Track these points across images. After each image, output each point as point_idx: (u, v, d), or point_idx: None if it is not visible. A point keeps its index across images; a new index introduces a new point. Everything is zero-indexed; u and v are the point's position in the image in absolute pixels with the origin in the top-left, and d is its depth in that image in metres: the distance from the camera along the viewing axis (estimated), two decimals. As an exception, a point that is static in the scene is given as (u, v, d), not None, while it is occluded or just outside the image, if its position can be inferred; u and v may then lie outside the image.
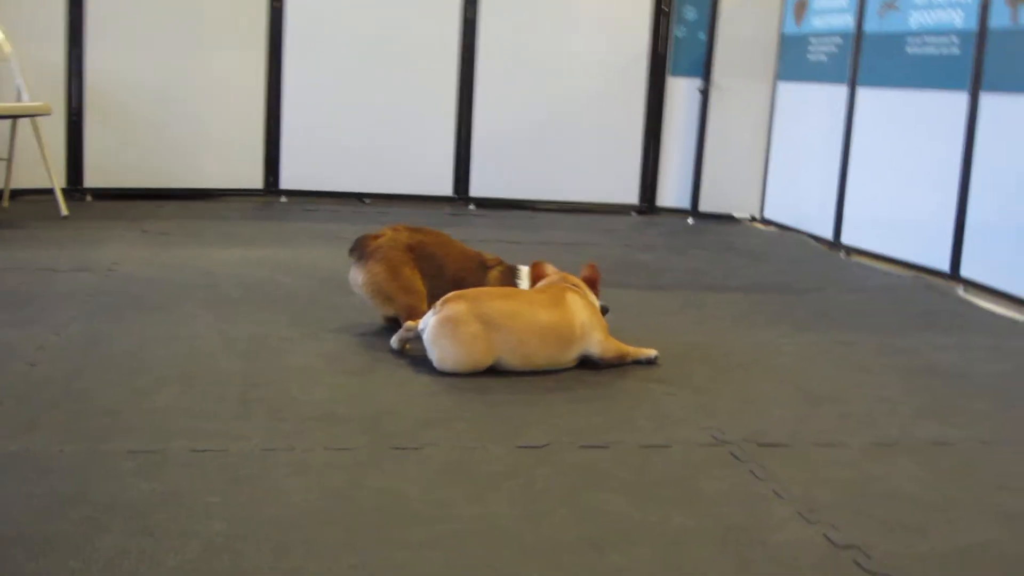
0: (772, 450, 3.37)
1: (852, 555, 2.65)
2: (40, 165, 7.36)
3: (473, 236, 6.87)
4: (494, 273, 4.51)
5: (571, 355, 4.06)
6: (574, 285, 4.23)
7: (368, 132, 8.69)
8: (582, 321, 4.04)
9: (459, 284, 4.42)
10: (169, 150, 8.41)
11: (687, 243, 7.55)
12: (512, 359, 3.95)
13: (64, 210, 7.36)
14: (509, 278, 4.50)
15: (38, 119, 7.34)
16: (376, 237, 4.56)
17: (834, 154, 7.66)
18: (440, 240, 4.65)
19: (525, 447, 3.31)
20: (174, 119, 8.37)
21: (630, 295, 5.52)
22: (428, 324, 4.00)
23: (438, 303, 4.03)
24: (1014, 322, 5.42)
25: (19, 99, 7.44)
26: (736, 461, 3.26)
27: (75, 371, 3.90)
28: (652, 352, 4.19)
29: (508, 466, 3.15)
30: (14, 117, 7.33)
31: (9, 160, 7.58)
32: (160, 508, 2.78)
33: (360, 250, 4.52)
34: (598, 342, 4.08)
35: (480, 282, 4.45)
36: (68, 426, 3.35)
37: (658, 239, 7.73)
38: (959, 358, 4.59)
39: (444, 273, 4.48)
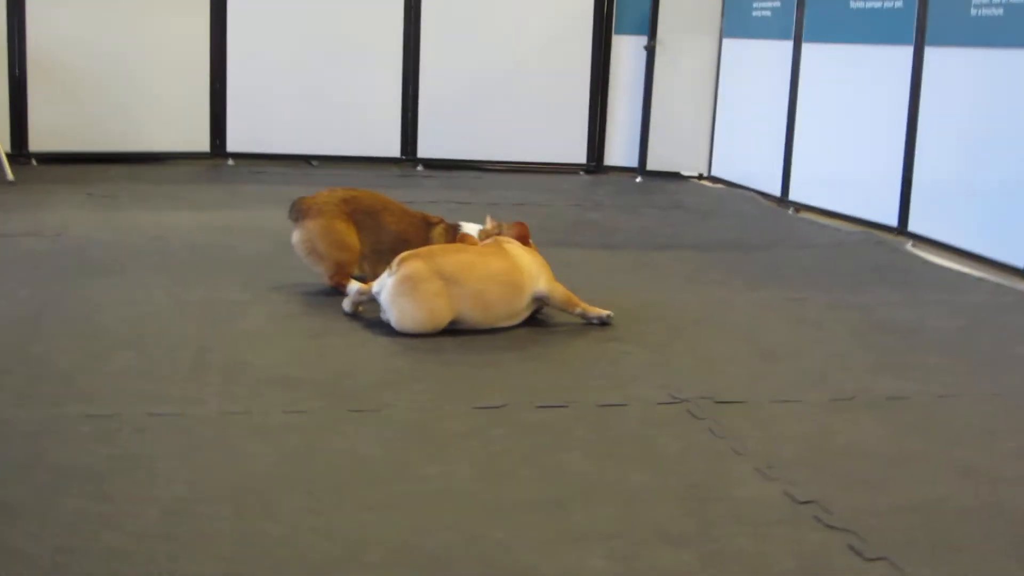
0: (729, 407, 3.39)
1: (812, 511, 2.67)
2: (-17, 130, 7.25)
3: (421, 198, 6.86)
4: (438, 230, 4.49)
5: (525, 300, 4.06)
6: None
7: (314, 94, 8.63)
8: (527, 264, 4.04)
9: (403, 241, 4.43)
10: (114, 114, 8.32)
11: (636, 202, 7.56)
12: (472, 313, 3.95)
13: (9, 175, 7.26)
14: (452, 235, 4.48)
15: (-20, 85, 7.22)
16: (313, 197, 4.50)
17: (780, 111, 7.68)
18: (379, 199, 4.66)
19: (483, 407, 3.30)
20: (119, 82, 8.28)
21: (581, 254, 5.53)
22: (385, 285, 3.98)
23: (394, 263, 4.01)
24: (962, 275, 5.48)
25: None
26: (694, 419, 3.28)
27: (27, 337, 3.86)
28: (605, 312, 4.19)
29: (467, 426, 3.15)
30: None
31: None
32: (119, 473, 2.77)
33: (297, 211, 4.54)
34: (546, 282, 4.08)
35: (424, 240, 4.44)
36: (22, 391, 3.32)
37: (607, 198, 7.74)
38: (911, 314, 4.63)
39: (384, 229, 4.48)
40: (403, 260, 3.96)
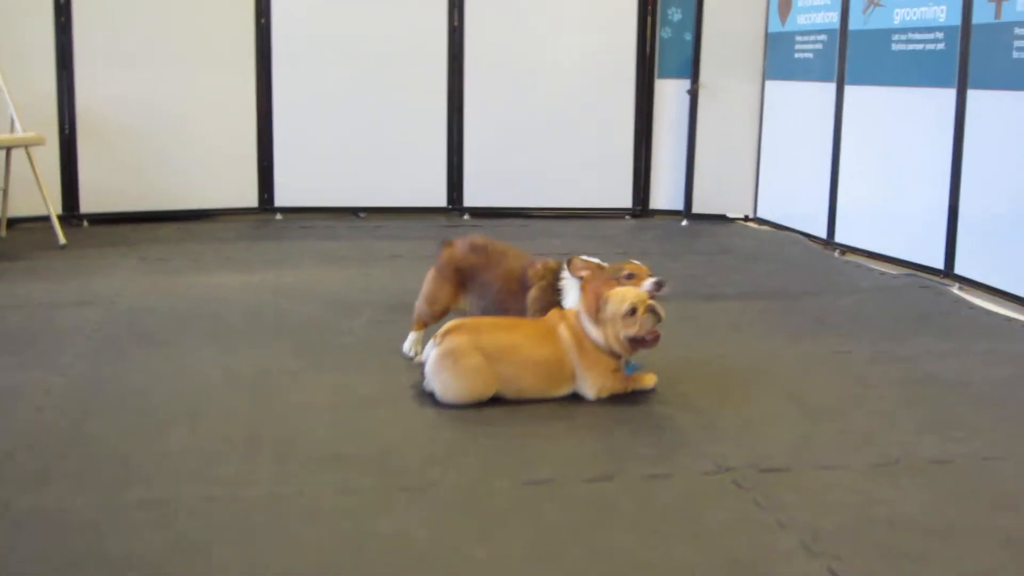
0: (774, 476, 3.42)
1: (857, 588, 2.69)
2: (35, 193, 7.40)
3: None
4: (534, 292, 4.53)
5: (562, 391, 4.10)
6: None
7: (360, 146, 8.74)
8: (571, 360, 4.08)
9: (501, 306, 4.52)
10: (162, 172, 8.46)
11: (682, 247, 7.60)
12: (507, 391, 4.01)
13: (62, 239, 7.40)
14: (550, 295, 4.50)
15: (31, 148, 7.36)
16: (451, 244, 4.76)
17: (824, 152, 7.71)
18: (491, 260, 4.69)
19: (531, 483, 3.34)
20: (166, 140, 8.43)
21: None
22: (429, 357, 4.05)
23: (437, 334, 4.08)
24: (1008, 320, 5.48)
25: (12, 129, 7.46)
26: (739, 489, 3.31)
27: (82, 415, 3.95)
28: (651, 382, 4.22)
29: (515, 503, 3.19)
30: (8, 148, 7.36)
31: (5, 190, 7.64)
32: (175, 561, 2.83)
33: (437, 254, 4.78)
34: (591, 386, 4.11)
35: (521, 306, 4.50)
36: (79, 476, 3.39)
37: (652, 243, 7.78)
38: (956, 365, 4.64)
39: (487, 294, 4.60)
40: (447, 332, 4.03)
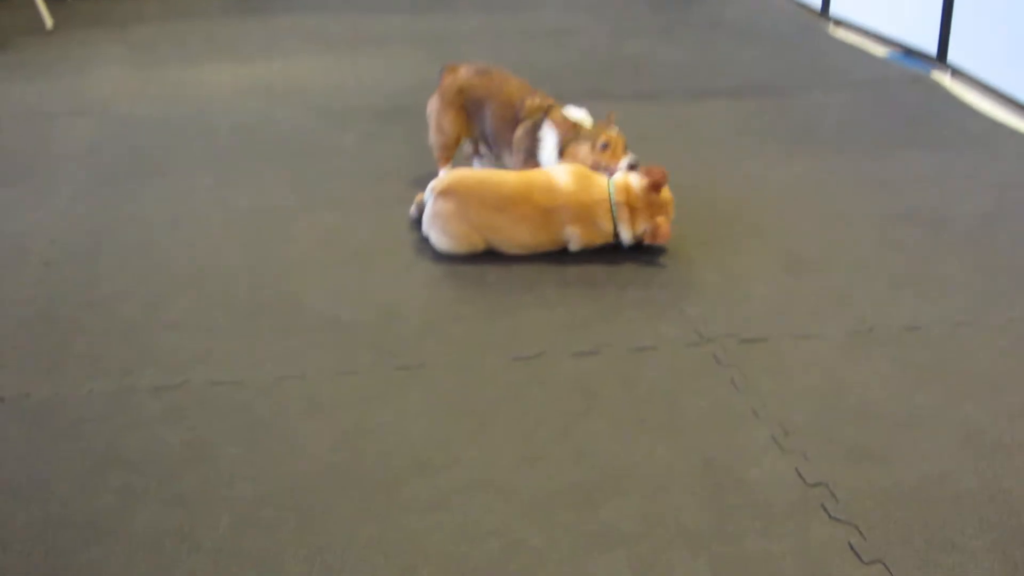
0: (752, 348, 3.59)
1: (820, 497, 2.90)
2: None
3: (457, 27, 6.92)
4: (519, 132, 4.54)
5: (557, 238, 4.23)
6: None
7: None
8: (568, 216, 4.18)
9: (496, 137, 4.59)
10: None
11: (675, 20, 7.56)
12: (503, 248, 4.14)
13: (48, 21, 7.35)
14: (531, 138, 4.51)
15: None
16: (453, 70, 4.74)
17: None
18: (493, 85, 4.67)
19: (519, 359, 3.53)
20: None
21: (613, 109, 5.62)
22: (427, 205, 4.17)
23: (429, 187, 4.18)
24: (995, 126, 5.55)
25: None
26: (717, 366, 3.49)
27: (90, 275, 4.09)
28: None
29: (504, 388, 3.37)
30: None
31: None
32: (189, 468, 3.02)
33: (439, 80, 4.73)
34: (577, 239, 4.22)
35: (510, 139, 4.55)
36: (93, 357, 3.56)
37: (645, 17, 7.74)
38: (938, 194, 4.77)
39: (486, 122, 4.64)
40: (440, 193, 4.12)
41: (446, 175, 4.20)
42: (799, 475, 2.99)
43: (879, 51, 6.86)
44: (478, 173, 4.23)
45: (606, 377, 3.44)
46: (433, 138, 4.74)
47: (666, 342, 3.64)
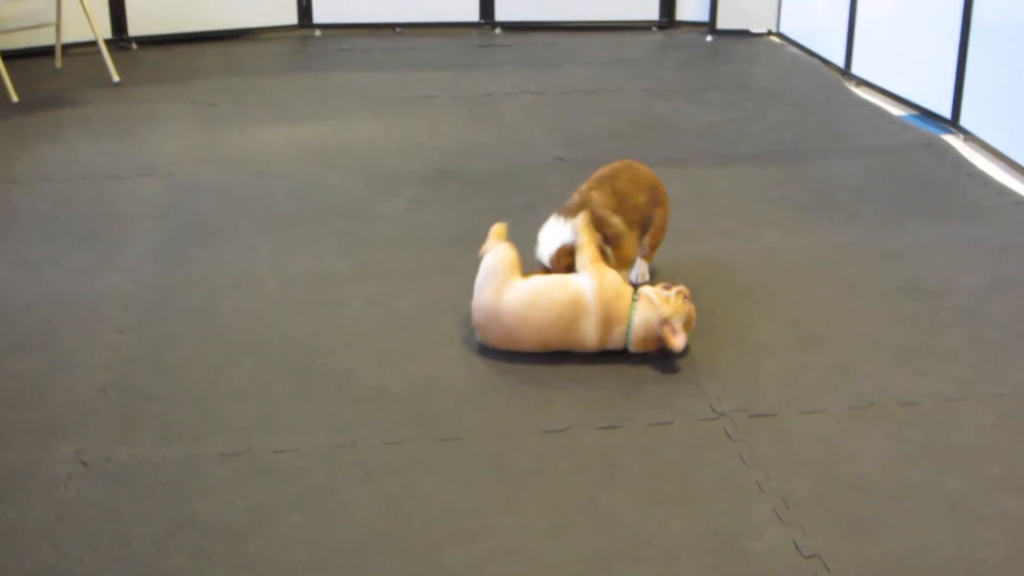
0: (760, 422, 3.97)
1: (814, 567, 3.27)
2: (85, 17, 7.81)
3: (499, 85, 7.37)
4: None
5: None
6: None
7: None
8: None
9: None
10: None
11: (703, 78, 7.97)
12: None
13: (115, 75, 7.82)
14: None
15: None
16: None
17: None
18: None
19: (549, 431, 3.92)
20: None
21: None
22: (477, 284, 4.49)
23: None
24: (1001, 194, 5.91)
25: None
26: (729, 441, 3.87)
27: (159, 341, 4.51)
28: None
29: (535, 460, 3.77)
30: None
31: (58, 24, 8.02)
32: (253, 532, 3.41)
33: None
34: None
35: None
36: (165, 423, 3.96)
37: (675, 71, 8.16)
38: (941, 265, 5.12)
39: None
40: (478, 328, 4.47)
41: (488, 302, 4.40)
42: (796, 547, 3.37)
43: (897, 112, 7.22)
44: (504, 323, 4.40)
45: (627, 450, 3.82)
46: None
47: (682, 417, 4.02)
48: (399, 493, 3.61)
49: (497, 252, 4.46)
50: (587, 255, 4.40)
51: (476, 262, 4.65)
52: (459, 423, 3.98)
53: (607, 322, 4.37)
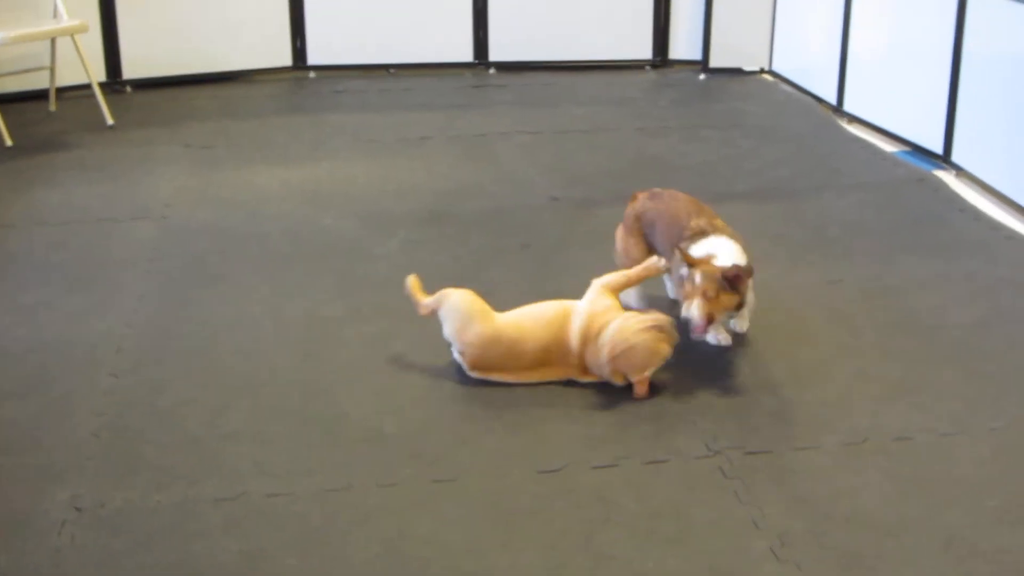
0: (755, 459, 3.97)
1: (811, 605, 3.28)
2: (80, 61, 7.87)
3: (494, 125, 7.40)
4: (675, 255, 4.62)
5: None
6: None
7: (389, 1, 9.04)
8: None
9: (666, 256, 4.76)
10: (199, 34, 8.86)
11: (698, 117, 8.01)
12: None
13: (109, 118, 7.84)
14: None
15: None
16: (635, 198, 5.02)
17: (837, 12, 7.97)
18: (661, 208, 4.88)
19: (544, 472, 3.92)
20: (200, 1, 8.76)
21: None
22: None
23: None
24: (994, 229, 5.93)
25: (55, 15, 7.87)
26: (724, 479, 3.87)
27: (154, 385, 4.51)
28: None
29: (531, 499, 3.76)
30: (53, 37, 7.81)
31: (52, 68, 8.06)
32: (251, 573, 3.41)
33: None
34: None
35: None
36: (160, 467, 3.96)
37: (669, 110, 8.20)
38: (936, 301, 5.13)
39: (657, 240, 4.89)
40: (464, 338, 4.51)
41: (472, 344, 4.47)
42: (793, 584, 3.37)
43: (889, 148, 7.26)
44: (504, 339, 4.47)
45: (623, 489, 3.82)
46: (618, 260, 4.97)
47: (678, 455, 4.02)
48: (395, 535, 3.59)
49: (458, 295, 4.54)
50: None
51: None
52: (455, 464, 3.97)
53: (587, 332, 4.43)
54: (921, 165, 6.92)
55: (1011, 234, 5.88)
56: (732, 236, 4.60)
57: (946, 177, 6.72)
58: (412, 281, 4.58)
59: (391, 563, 3.47)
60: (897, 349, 4.74)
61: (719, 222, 4.69)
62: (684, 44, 9.45)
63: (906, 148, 7.18)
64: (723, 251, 4.51)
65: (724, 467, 3.94)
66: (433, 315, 4.57)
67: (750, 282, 4.55)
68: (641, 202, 4.97)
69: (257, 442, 4.11)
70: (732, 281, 4.41)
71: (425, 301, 4.55)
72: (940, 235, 5.90)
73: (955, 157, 6.77)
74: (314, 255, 5.67)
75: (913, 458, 3.99)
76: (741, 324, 4.81)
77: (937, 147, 6.92)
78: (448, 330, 4.50)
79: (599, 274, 4.79)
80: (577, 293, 4.79)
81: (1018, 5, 6.10)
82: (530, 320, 4.50)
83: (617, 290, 4.62)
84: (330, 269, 5.50)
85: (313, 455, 4.03)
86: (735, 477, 3.88)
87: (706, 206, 4.84)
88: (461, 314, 4.44)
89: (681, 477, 3.88)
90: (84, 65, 7.90)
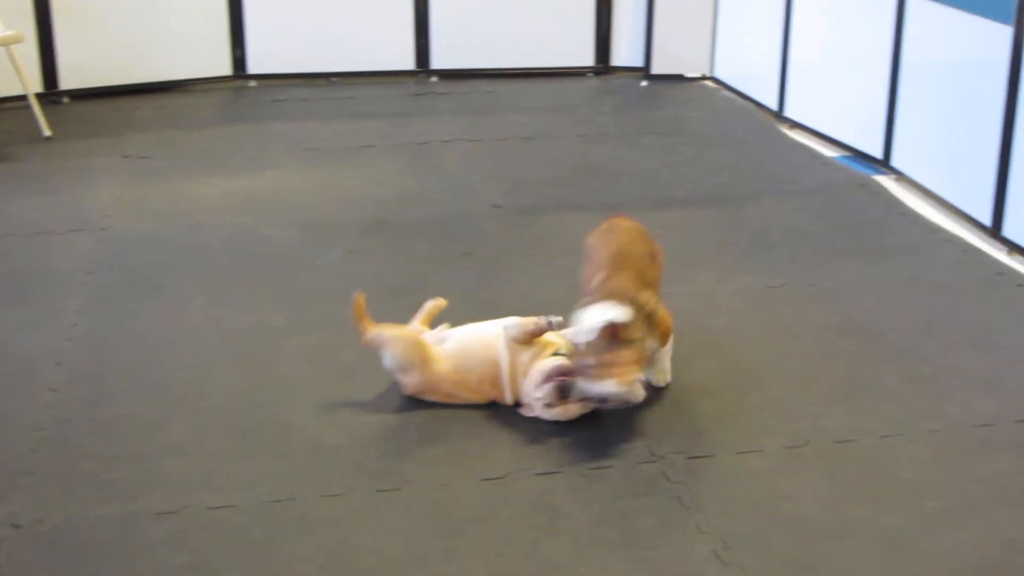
0: (698, 464, 3.99)
1: (755, 608, 3.29)
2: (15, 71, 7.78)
3: (437, 133, 7.44)
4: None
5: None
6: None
7: (330, 9, 9.01)
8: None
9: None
10: (138, 43, 8.77)
11: (639, 123, 8.04)
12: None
13: (46, 130, 7.76)
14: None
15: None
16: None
17: (778, 19, 8.02)
18: (596, 248, 4.51)
19: (488, 479, 3.92)
20: (139, 11, 8.68)
21: (579, 222, 6.00)
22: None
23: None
24: (933, 232, 6.00)
25: (-10, 27, 7.76)
26: (668, 484, 3.88)
27: (94, 398, 4.46)
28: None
29: (476, 507, 3.76)
30: (-13, 47, 7.70)
31: (-15, 80, 7.97)
32: (192, 589, 3.37)
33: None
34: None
35: None
36: (100, 482, 3.92)
37: (611, 117, 8.23)
38: (876, 305, 5.18)
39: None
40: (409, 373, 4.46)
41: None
42: (736, 588, 3.38)
43: (830, 153, 7.31)
44: (444, 385, 4.42)
45: (567, 496, 3.83)
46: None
47: (621, 460, 4.04)
48: (339, 546, 3.58)
49: (398, 346, 4.43)
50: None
51: (415, 311, 4.66)
52: (398, 473, 3.96)
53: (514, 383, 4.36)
54: (861, 170, 6.97)
55: (950, 237, 5.94)
56: (621, 296, 4.12)
57: (886, 182, 6.77)
58: (357, 304, 4.51)
59: (335, 574, 3.44)
60: (838, 353, 4.77)
61: (616, 283, 4.21)
62: (626, 51, 9.47)
63: (846, 153, 7.24)
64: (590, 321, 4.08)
65: (667, 472, 3.95)
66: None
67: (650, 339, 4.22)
68: (594, 233, 4.55)
69: (199, 455, 4.06)
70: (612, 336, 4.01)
71: (368, 335, 4.47)
72: (880, 239, 5.95)
73: (895, 162, 6.82)
74: (256, 265, 5.63)
75: (854, 461, 4.02)
76: (659, 378, 4.48)
77: (877, 152, 6.97)
78: (388, 366, 4.46)
79: (541, 282, 4.79)
80: (518, 301, 4.81)
81: (955, 11, 6.16)
82: (472, 360, 4.40)
83: (523, 343, 4.37)
84: (272, 279, 5.46)
85: (256, 467, 3.99)
86: (678, 482, 3.89)
87: (639, 253, 4.44)
88: (400, 363, 4.40)
89: (625, 483, 3.88)
90: (19, 76, 7.80)
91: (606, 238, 4.47)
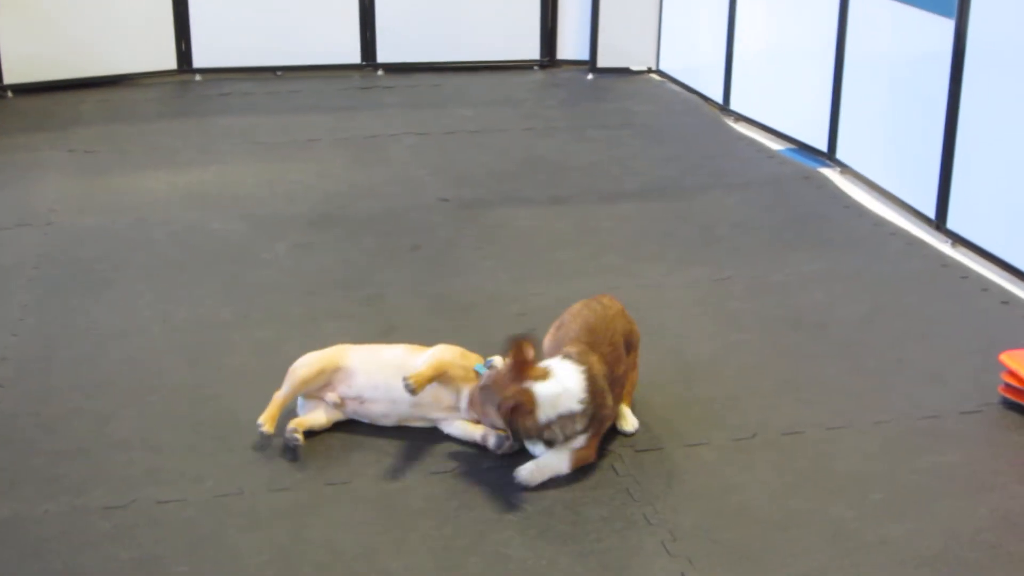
0: (646, 457, 4.01)
1: (703, 599, 3.32)
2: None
3: (384, 127, 7.44)
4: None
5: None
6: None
7: (275, 3, 8.95)
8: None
9: None
10: (83, 37, 8.67)
11: (587, 118, 8.06)
12: None
13: (-9, 125, 7.68)
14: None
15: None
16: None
17: (722, 11, 8.07)
18: (565, 323, 4.23)
19: (436, 472, 3.93)
20: (82, 3, 8.58)
21: (526, 217, 6.06)
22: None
23: None
24: (877, 225, 6.06)
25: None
26: (616, 477, 3.90)
27: (41, 394, 4.43)
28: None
29: (424, 500, 3.77)
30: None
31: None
32: (141, 583, 3.34)
33: None
34: None
35: None
36: (48, 476, 3.89)
37: (558, 110, 8.27)
38: (821, 298, 5.22)
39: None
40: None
41: None
42: (684, 578, 3.41)
43: (775, 146, 7.37)
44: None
45: (515, 488, 3.84)
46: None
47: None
48: (288, 539, 3.58)
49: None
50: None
51: (363, 305, 4.67)
52: (346, 467, 3.96)
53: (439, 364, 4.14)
54: (806, 163, 7.04)
55: (894, 230, 6.00)
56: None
57: (831, 174, 6.83)
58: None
59: (284, 568, 3.45)
60: (784, 345, 4.81)
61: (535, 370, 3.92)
62: (572, 44, 9.50)
63: (792, 146, 7.30)
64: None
65: (616, 465, 3.97)
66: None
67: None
68: (568, 311, 4.25)
69: (146, 449, 4.05)
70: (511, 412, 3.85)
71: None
72: (825, 232, 6.01)
73: (839, 154, 6.89)
74: (202, 260, 5.60)
75: (801, 453, 4.06)
76: (624, 424, 4.24)
77: (822, 145, 7.03)
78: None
79: (489, 275, 4.79)
80: (465, 294, 4.81)
81: (898, 5, 6.23)
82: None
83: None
84: (218, 274, 5.44)
85: (203, 461, 3.98)
86: (626, 475, 3.92)
87: (615, 338, 4.16)
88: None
89: (573, 475, 3.90)
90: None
91: (585, 312, 4.19)
